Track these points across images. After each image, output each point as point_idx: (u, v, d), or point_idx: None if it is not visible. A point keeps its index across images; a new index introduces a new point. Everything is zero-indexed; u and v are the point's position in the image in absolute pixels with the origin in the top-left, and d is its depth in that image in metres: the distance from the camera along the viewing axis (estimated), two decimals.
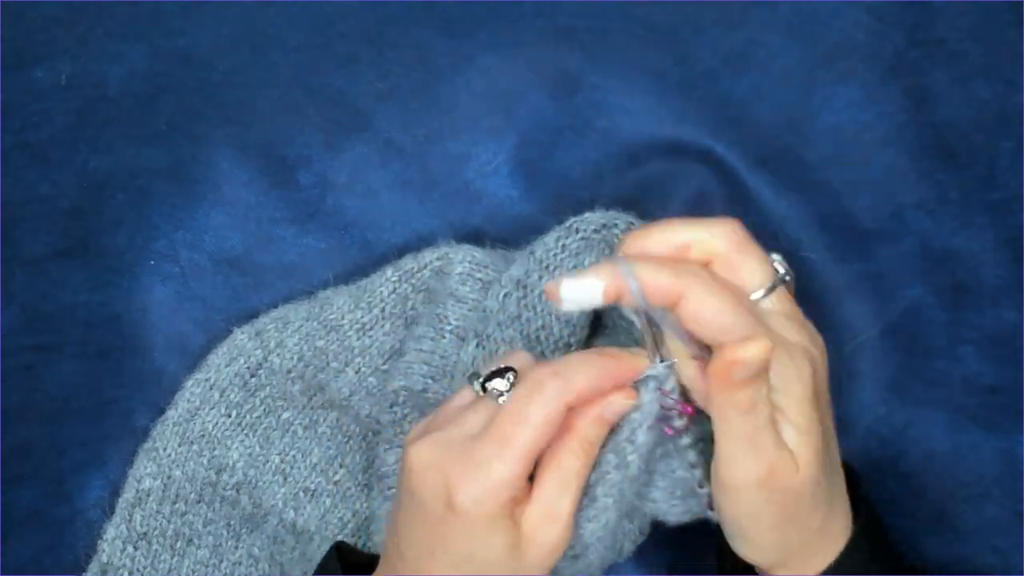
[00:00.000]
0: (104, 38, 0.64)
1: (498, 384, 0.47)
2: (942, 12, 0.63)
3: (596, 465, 0.47)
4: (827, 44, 0.63)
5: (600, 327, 0.57)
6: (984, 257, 0.60)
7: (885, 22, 0.63)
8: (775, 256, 0.47)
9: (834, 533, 0.48)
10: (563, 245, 0.54)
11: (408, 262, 0.59)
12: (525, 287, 0.54)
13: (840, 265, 0.61)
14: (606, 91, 0.63)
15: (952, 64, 0.62)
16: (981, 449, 0.58)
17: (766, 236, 0.60)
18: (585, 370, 0.45)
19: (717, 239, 0.46)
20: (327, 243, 0.62)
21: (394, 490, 0.55)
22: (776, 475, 0.44)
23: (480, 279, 0.57)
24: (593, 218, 0.54)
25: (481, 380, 0.48)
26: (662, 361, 0.46)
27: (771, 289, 0.46)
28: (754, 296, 0.46)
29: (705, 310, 0.43)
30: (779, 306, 0.47)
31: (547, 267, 0.54)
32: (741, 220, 0.46)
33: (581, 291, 0.43)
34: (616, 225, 0.54)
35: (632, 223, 0.54)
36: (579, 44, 0.63)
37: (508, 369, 0.47)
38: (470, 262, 0.57)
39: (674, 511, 0.49)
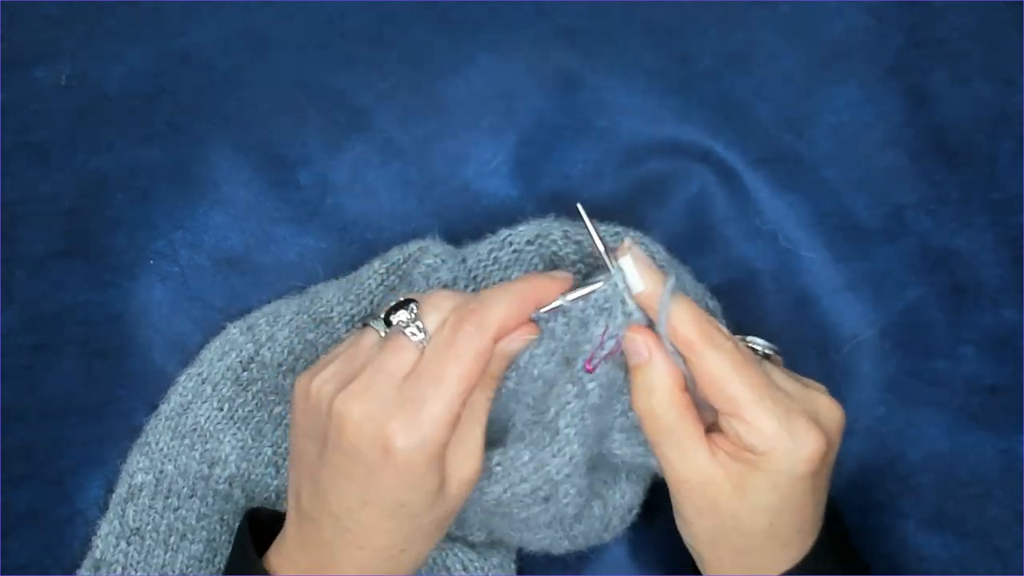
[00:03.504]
0: (104, 38, 0.64)
1: (402, 316, 0.47)
2: (942, 12, 0.63)
3: (555, 397, 0.48)
4: (827, 44, 0.63)
5: None
6: (984, 257, 0.60)
7: (885, 22, 0.63)
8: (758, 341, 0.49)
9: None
10: (495, 257, 0.54)
11: (395, 254, 0.59)
12: None
13: (840, 265, 0.61)
14: (606, 91, 0.63)
15: (952, 64, 0.62)
16: (981, 449, 0.58)
17: (766, 236, 0.61)
18: (505, 300, 0.46)
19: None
20: (327, 243, 0.62)
21: None
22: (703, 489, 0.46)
23: (440, 278, 0.57)
24: (527, 231, 0.54)
25: (383, 316, 0.48)
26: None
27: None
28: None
29: (719, 375, 0.45)
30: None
31: (475, 277, 0.54)
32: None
33: (634, 272, 0.46)
34: (550, 235, 0.54)
35: (567, 231, 0.54)
36: (579, 44, 0.63)
37: (409, 301, 0.47)
38: (440, 259, 0.57)
39: (636, 455, 0.51)
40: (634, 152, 0.62)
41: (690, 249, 0.61)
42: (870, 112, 0.62)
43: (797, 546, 0.47)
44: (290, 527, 0.50)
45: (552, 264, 0.55)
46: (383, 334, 0.48)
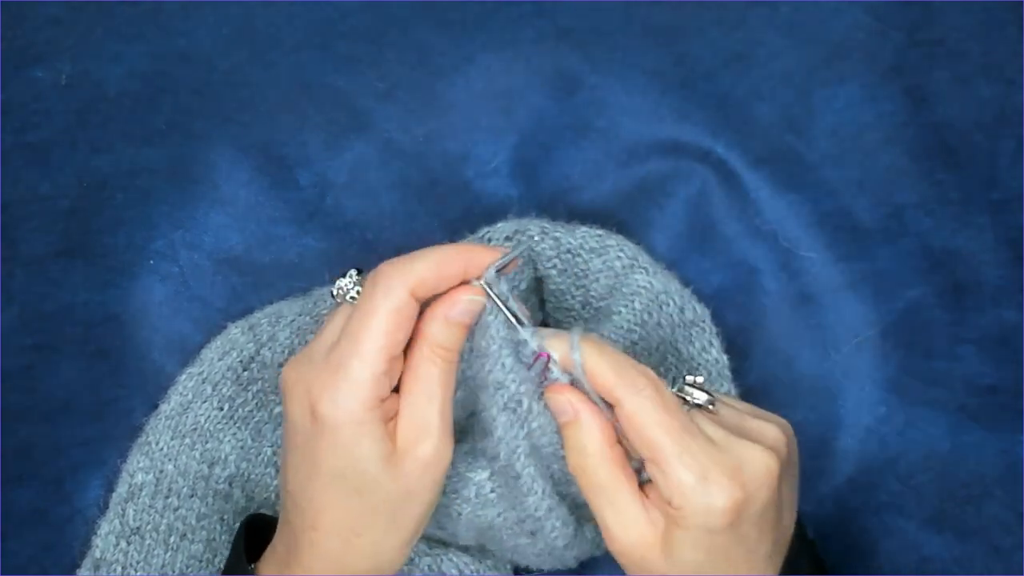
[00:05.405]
0: (104, 38, 0.64)
1: (342, 284, 0.47)
2: (942, 12, 0.63)
3: (500, 443, 0.47)
4: (827, 44, 0.63)
5: None
6: (984, 257, 0.60)
7: (885, 22, 0.63)
8: (691, 380, 0.48)
9: None
10: None
11: None
12: None
13: (840, 265, 0.61)
14: (606, 91, 0.63)
15: (952, 64, 0.62)
16: (981, 449, 0.58)
17: (766, 236, 0.61)
18: (425, 256, 0.45)
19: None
20: (327, 243, 0.62)
21: None
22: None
23: None
24: (505, 227, 0.55)
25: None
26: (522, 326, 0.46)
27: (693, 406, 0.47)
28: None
29: (639, 422, 0.44)
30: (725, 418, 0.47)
31: None
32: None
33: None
34: (528, 231, 0.54)
35: (545, 227, 0.54)
36: (579, 44, 0.63)
37: (353, 269, 0.48)
38: None
39: None
40: (634, 152, 0.62)
41: (690, 249, 0.61)
42: (870, 112, 0.62)
43: None
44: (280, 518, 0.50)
45: (530, 260, 0.55)
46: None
